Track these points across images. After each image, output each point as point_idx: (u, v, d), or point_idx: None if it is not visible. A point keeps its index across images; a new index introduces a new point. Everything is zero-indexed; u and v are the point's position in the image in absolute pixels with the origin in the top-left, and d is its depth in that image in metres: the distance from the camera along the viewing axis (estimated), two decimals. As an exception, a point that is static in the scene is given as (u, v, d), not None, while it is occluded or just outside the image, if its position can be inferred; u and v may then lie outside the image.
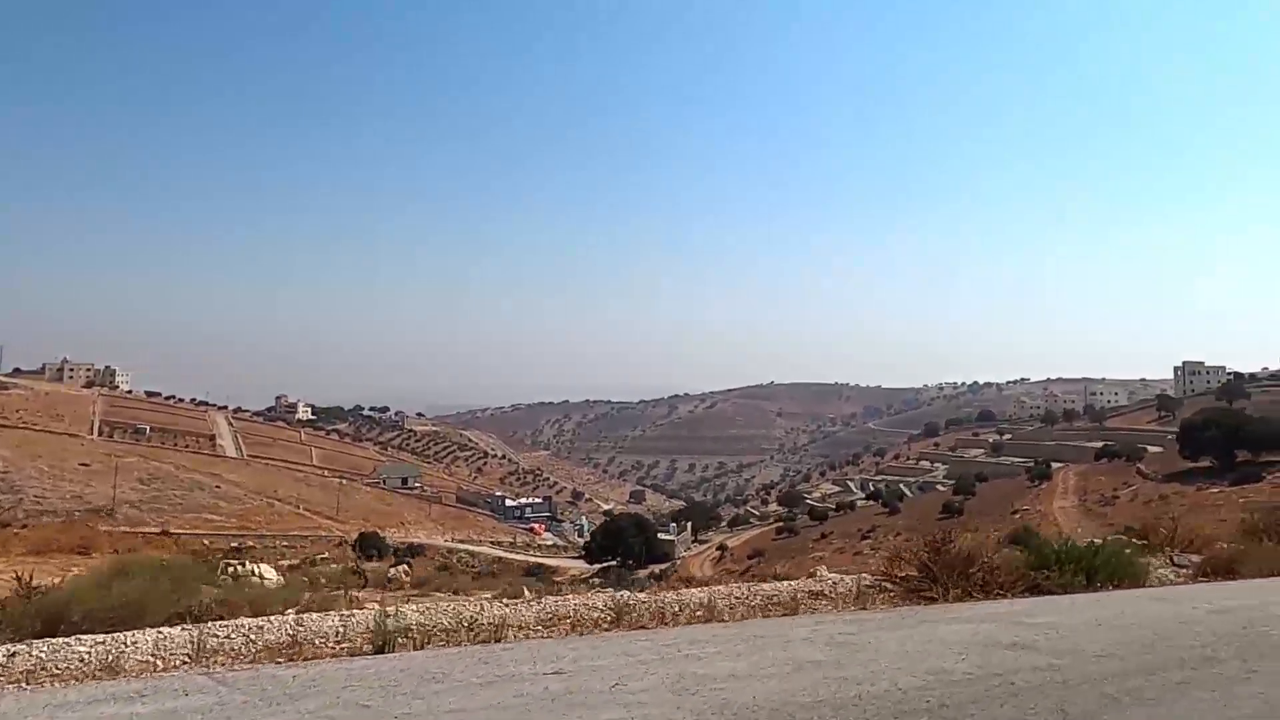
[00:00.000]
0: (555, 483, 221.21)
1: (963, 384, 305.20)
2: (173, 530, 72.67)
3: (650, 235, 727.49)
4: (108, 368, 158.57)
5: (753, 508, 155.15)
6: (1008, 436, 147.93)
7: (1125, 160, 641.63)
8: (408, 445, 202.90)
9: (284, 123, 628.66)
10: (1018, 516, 59.35)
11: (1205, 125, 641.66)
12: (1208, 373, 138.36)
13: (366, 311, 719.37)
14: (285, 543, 77.58)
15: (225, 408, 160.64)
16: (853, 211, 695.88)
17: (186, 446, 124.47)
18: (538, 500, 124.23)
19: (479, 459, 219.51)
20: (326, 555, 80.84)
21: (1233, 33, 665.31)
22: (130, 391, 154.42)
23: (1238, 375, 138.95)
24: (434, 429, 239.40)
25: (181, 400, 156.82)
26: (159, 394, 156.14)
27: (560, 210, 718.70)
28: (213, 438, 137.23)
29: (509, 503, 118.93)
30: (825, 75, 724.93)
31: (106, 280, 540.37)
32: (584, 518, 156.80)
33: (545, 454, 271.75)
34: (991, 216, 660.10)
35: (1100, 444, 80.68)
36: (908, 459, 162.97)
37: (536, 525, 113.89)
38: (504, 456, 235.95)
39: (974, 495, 68.91)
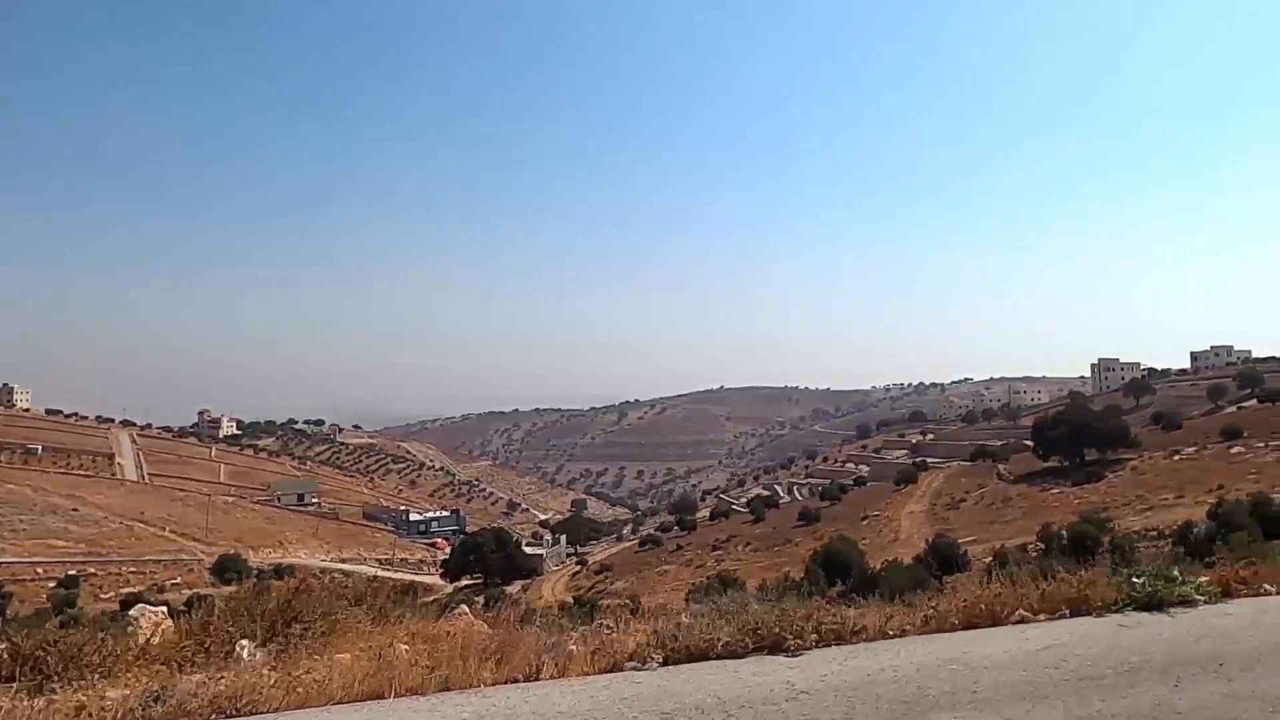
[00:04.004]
0: (492, 493, 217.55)
1: (909, 385, 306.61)
2: (3, 559, 68.71)
3: (603, 242, 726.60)
4: (5, 385, 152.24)
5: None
6: (930, 437, 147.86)
7: (1085, 159, 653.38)
8: (336, 459, 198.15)
9: (235, 114, 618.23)
10: (866, 523, 57.72)
11: (1174, 119, 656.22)
12: (1122, 369, 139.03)
13: (320, 325, 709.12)
14: (133, 568, 73.86)
15: (134, 424, 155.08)
16: (805, 215, 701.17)
17: (80, 467, 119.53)
18: (444, 513, 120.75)
19: (413, 471, 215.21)
20: (179, 580, 77.51)
21: (1182, 39, 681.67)
22: (29, 410, 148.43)
23: (1152, 371, 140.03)
24: (370, 441, 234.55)
25: (85, 418, 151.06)
26: (60, 412, 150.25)
27: (515, 220, 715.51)
28: (111, 456, 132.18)
29: (413, 517, 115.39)
30: (778, 81, 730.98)
31: (24, 292, 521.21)
32: (515, 529, 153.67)
33: (487, 464, 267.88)
34: (944, 217, 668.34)
35: (978, 444, 79.47)
36: (836, 461, 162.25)
37: (440, 540, 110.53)
38: (442, 468, 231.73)
39: (839, 501, 67.21)
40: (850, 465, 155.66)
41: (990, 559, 35.85)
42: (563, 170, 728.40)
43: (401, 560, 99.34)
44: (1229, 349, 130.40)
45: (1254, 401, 72.12)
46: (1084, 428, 55.81)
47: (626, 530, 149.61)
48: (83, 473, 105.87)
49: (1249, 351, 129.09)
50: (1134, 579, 5.98)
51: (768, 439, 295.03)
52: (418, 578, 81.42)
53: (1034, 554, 41.47)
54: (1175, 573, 6.07)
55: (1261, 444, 52.64)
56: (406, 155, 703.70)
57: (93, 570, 70.51)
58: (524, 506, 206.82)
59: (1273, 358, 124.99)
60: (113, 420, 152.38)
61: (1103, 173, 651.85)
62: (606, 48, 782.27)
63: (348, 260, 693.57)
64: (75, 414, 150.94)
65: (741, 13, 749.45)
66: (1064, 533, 39.45)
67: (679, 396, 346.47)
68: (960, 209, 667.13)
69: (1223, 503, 38.30)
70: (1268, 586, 6.26)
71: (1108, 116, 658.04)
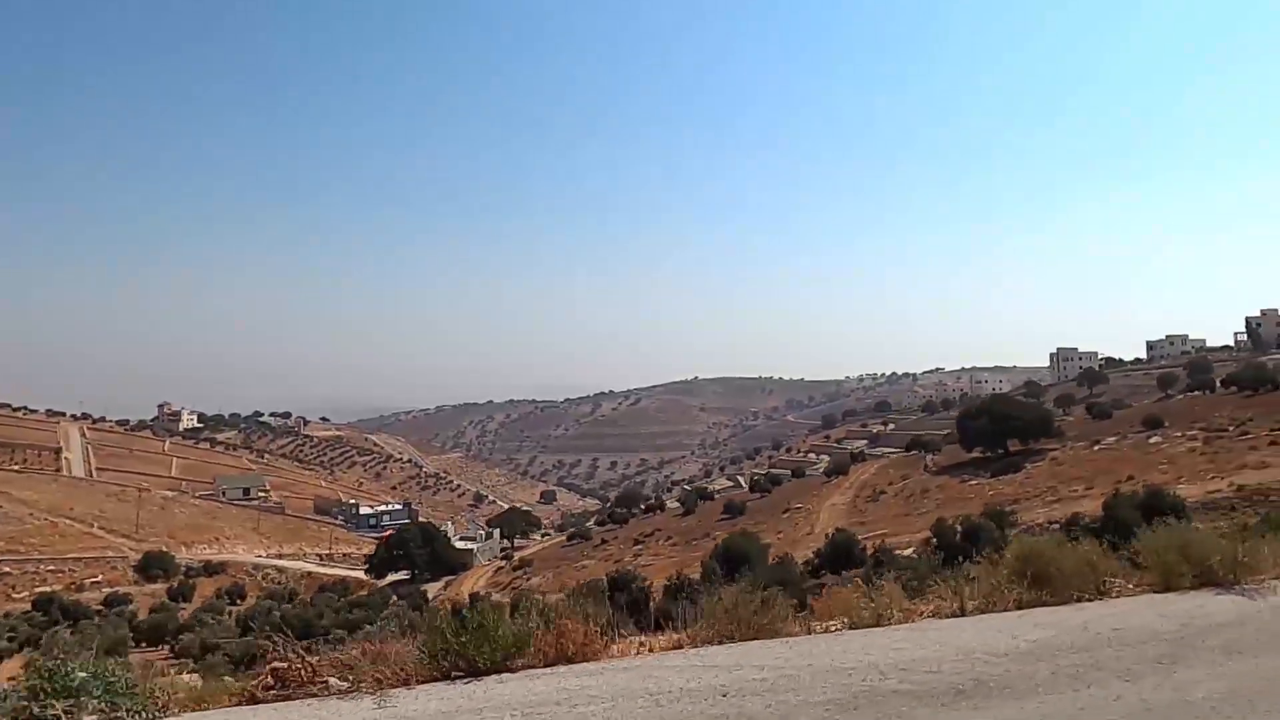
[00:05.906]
0: (459, 485, 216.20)
1: (881, 375, 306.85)
2: (-89, 558, 66.82)
3: (581, 235, 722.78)
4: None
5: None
6: (891, 427, 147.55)
7: (1066, 145, 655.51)
8: (299, 453, 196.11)
9: (213, 106, 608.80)
10: (787, 515, 56.92)
11: (1158, 102, 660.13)
12: (1080, 358, 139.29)
13: (295, 318, 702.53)
14: (52, 567, 72.07)
15: (86, 418, 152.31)
16: (786, 206, 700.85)
17: (22, 461, 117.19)
18: (396, 507, 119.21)
19: (379, 464, 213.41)
20: (100, 578, 75.70)
21: (1177, 30, 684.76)
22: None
23: (1109, 360, 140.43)
24: (337, 434, 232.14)
25: (34, 411, 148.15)
26: (8, 405, 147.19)
27: (492, 213, 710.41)
28: (58, 451, 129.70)
29: (364, 510, 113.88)
30: (756, 75, 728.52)
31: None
32: (477, 521, 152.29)
33: (457, 456, 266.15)
34: (925, 208, 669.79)
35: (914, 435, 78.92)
36: (799, 452, 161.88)
37: (390, 532, 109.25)
38: (409, 460, 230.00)
39: (769, 494, 66.43)
40: (812, 455, 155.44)
41: (875, 555, 35.12)
42: (538, 162, 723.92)
43: (345, 555, 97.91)
44: (1184, 338, 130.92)
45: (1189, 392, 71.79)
46: (1005, 418, 55.10)
47: (590, 523, 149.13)
48: (14, 468, 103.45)
49: (1203, 340, 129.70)
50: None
51: (741, 429, 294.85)
52: (351, 573, 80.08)
53: (933, 548, 40.74)
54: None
55: (1179, 434, 52.15)
56: (380, 146, 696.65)
57: (8, 569, 68.68)
58: (491, 499, 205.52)
59: (1226, 346, 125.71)
60: (64, 414, 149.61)
61: (1088, 164, 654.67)
62: (582, 39, 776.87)
63: (328, 253, 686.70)
64: (24, 407, 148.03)
65: (723, 8, 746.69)
66: (958, 526, 38.53)
67: (654, 387, 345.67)
68: (942, 201, 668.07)
69: (1118, 494, 37.59)
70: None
71: (1093, 107, 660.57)
